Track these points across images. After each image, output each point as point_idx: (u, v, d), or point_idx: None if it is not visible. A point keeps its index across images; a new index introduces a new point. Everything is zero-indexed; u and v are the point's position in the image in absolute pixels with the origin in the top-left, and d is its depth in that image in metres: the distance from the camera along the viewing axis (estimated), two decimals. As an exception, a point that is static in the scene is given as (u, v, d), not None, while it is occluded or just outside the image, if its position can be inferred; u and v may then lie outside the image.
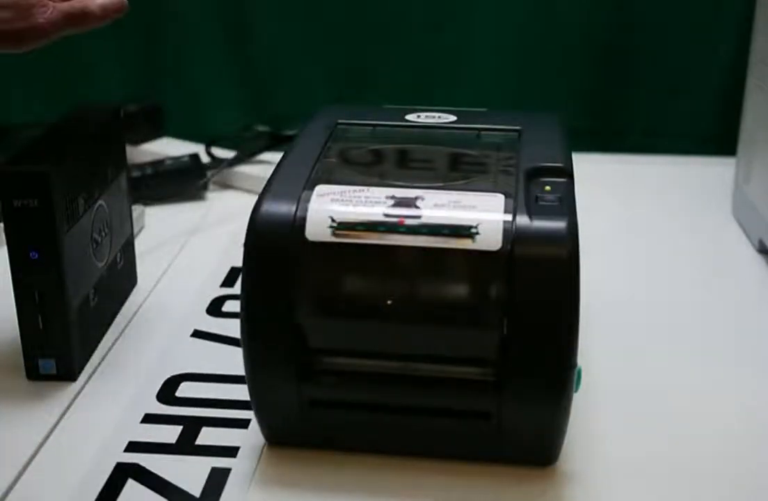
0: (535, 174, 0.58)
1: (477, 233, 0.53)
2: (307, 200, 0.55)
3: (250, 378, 0.56)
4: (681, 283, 0.82)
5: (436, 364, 0.55)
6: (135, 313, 0.76)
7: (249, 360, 0.56)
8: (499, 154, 0.62)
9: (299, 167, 0.59)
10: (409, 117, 0.69)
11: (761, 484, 0.57)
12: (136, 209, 0.89)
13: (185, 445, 0.60)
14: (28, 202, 0.61)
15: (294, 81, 1.24)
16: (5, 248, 0.63)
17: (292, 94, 1.24)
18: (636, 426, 0.62)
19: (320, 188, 0.56)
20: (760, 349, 0.72)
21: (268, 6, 1.20)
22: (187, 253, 0.88)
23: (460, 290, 0.53)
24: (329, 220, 0.54)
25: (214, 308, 0.78)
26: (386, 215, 0.54)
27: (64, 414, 0.63)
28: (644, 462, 0.59)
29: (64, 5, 0.62)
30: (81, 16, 0.62)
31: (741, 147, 0.93)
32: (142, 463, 0.58)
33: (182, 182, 0.99)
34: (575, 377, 0.54)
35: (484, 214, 0.54)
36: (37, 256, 0.62)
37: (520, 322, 0.52)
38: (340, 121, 0.67)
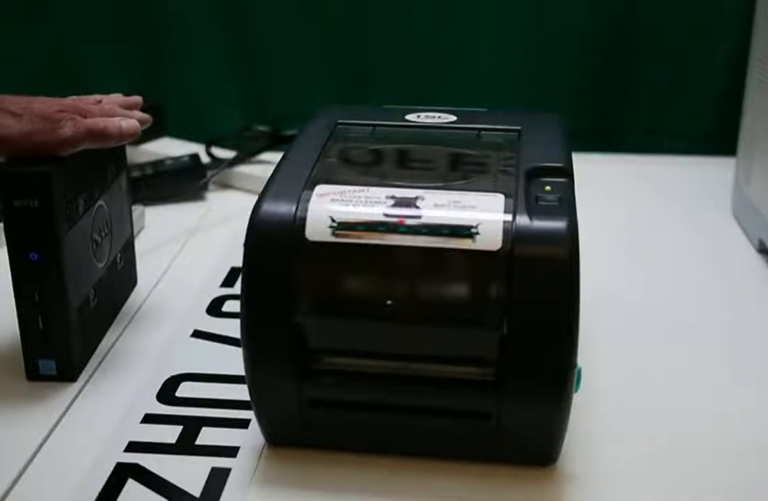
0: (535, 174, 0.58)
1: (477, 233, 0.53)
2: (307, 200, 0.55)
3: (250, 378, 0.56)
4: (681, 283, 0.82)
5: (436, 364, 0.55)
6: (135, 313, 0.76)
7: (249, 360, 0.56)
8: (499, 154, 0.62)
9: (299, 167, 0.59)
10: (409, 117, 0.69)
11: (761, 483, 0.57)
12: (136, 209, 0.89)
13: (185, 445, 0.60)
14: (29, 202, 0.61)
15: (294, 81, 1.24)
16: (5, 248, 0.63)
17: (292, 94, 1.24)
18: (636, 426, 0.62)
19: (320, 188, 0.56)
20: (759, 349, 0.72)
21: (268, 6, 1.20)
22: (187, 253, 0.88)
23: (460, 290, 0.53)
24: (329, 220, 0.54)
25: (214, 308, 0.78)
26: (386, 215, 0.54)
27: (64, 414, 0.63)
28: (644, 462, 0.59)
29: (88, 122, 0.65)
30: (101, 134, 0.65)
31: (741, 147, 0.93)
32: (142, 463, 0.58)
33: (182, 182, 0.99)
34: (575, 377, 0.54)
35: (484, 214, 0.54)
36: (37, 256, 0.62)
37: (520, 322, 0.52)
38: (340, 121, 0.67)
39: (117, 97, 0.74)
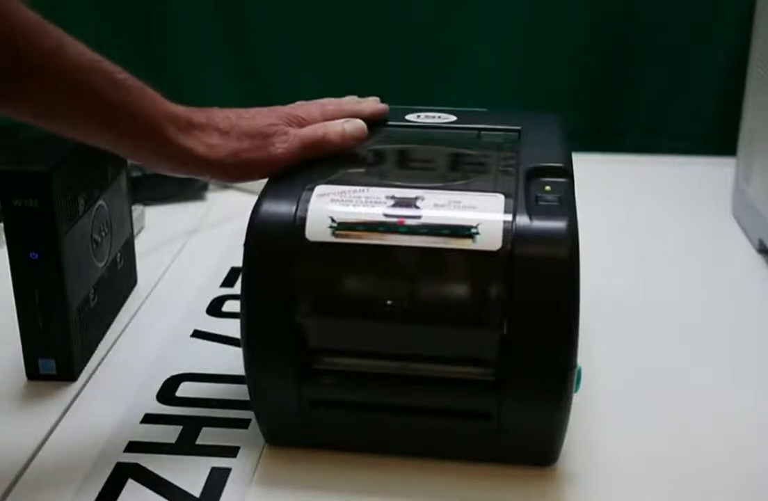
0: (535, 174, 0.58)
1: (477, 233, 0.53)
2: (307, 200, 0.55)
3: (250, 378, 0.56)
4: (681, 283, 0.82)
5: (436, 364, 0.55)
6: (135, 313, 0.76)
7: (249, 360, 0.56)
8: (499, 154, 0.62)
9: (299, 167, 0.59)
10: (409, 117, 0.69)
11: (761, 483, 0.57)
12: (136, 209, 0.89)
13: (185, 445, 0.60)
14: (28, 202, 0.61)
15: (294, 81, 1.24)
16: (5, 248, 0.63)
17: (292, 95, 1.24)
18: (636, 426, 0.62)
19: (320, 188, 0.56)
20: (759, 349, 0.72)
21: (267, 6, 1.20)
22: (187, 253, 0.88)
23: (460, 290, 0.53)
24: (329, 220, 0.54)
25: (214, 308, 0.77)
26: (386, 215, 0.54)
27: (64, 414, 0.63)
28: (644, 462, 0.59)
29: (304, 132, 0.60)
30: (319, 144, 0.60)
31: (741, 147, 0.93)
32: (142, 463, 0.58)
33: (182, 182, 0.99)
34: (575, 377, 0.54)
35: (484, 214, 0.54)
36: (37, 256, 0.62)
37: (520, 322, 0.52)
38: (340, 121, 0.67)
39: (351, 99, 0.68)
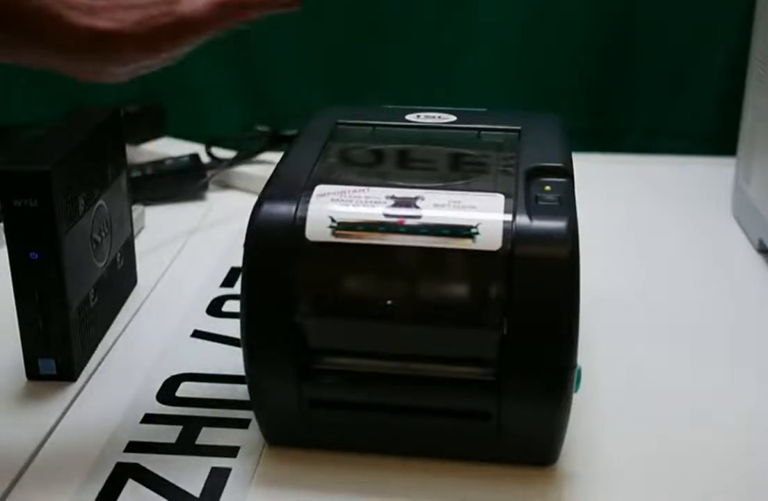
0: (535, 174, 0.58)
1: (477, 233, 0.53)
2: (307, 200, 0.55)
3: (250, 378, 0.56)
4: (681, 283, 0.82)
5: (436, 364, 0.55)
6: (135, 313, 0.76)
7: (249, 360, 0.56)
8: (499, 154, 0.62)
9: (299, 167, 0.59)
10: (409, 117, 0.69)
11: (761, 483, 0.57)
12: (136, 209, 0.89)
13: (185, 445, 0.60)
14: (28, 202, 0.61)
15: (294, 81, 1.24)
16: (5, 248, 0.63)
17: (292, 94, 1.24)
18: (636, 426, 0.62)
19: (320, 188, 0.56)
20: (760, 349, 0.72)
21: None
22: (187, 253, 0.88)
23: (460, 290, 0.53)
24: (329, 220, 0.54)
25: (214, 308, 0.77)
26: (386, 215, 0.54)
27: (64, 414, 0.63)
28: (644, 462, 0.59)
29: None
30: (236, 3, 0.54)
31: (741, 147, 0.93)
32: (142, 463, 0.58)
33: (182, 182, 0.99)
34: (575, 377, 0.54)
35: (484, 214, 0.54)
36: (37, 256, 0.62)
37: (520, 322, 0.52)
38: (340, 121, 0.67)
39: None
